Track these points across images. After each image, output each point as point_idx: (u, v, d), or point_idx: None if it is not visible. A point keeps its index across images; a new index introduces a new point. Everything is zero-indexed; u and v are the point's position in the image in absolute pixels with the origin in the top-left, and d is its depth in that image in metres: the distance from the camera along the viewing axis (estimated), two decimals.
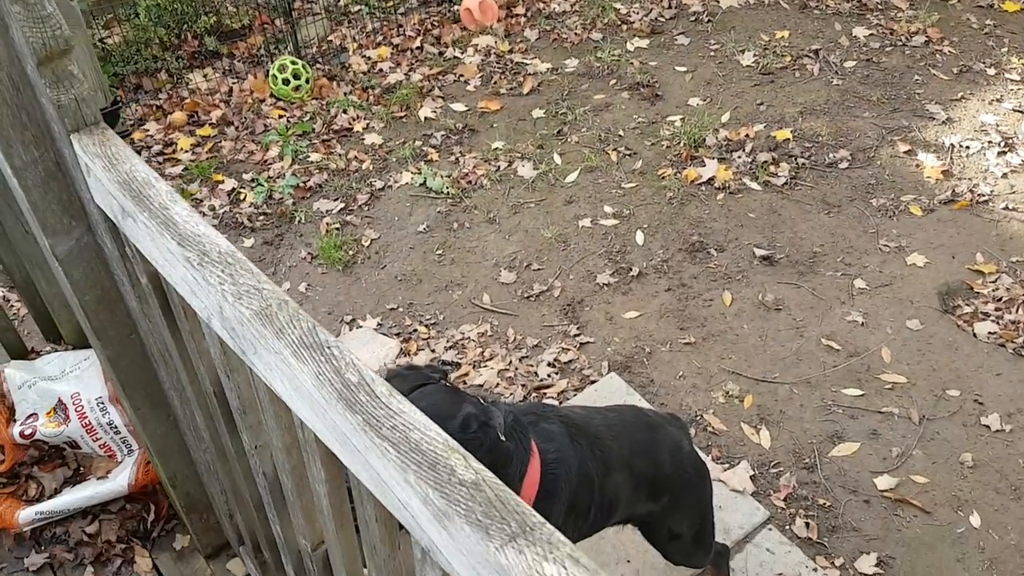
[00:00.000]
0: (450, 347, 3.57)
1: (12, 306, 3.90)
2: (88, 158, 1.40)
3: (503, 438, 1.76)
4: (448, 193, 4.34)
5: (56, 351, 2.91)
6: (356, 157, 4.65)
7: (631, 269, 3.85)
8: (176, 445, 2.18)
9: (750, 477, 2.97)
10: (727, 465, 3.02)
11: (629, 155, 4.53)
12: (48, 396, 2.67)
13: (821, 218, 4.06)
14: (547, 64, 5.27)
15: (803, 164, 4.36)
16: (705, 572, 2.62)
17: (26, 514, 2.51)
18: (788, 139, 4.50)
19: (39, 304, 2.89)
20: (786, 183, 4.25)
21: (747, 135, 4.54)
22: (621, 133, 4.68)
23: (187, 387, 1.84)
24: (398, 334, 3.64)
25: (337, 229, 4.21)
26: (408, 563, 1.10)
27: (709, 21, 5.54)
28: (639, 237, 4.02)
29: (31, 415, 2.66)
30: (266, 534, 1.99)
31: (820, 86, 4.91)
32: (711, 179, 4.29)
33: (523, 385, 3.36)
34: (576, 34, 5.52)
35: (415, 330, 3.65)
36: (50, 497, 2.58)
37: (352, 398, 0.98)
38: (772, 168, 4.33)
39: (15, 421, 2.67)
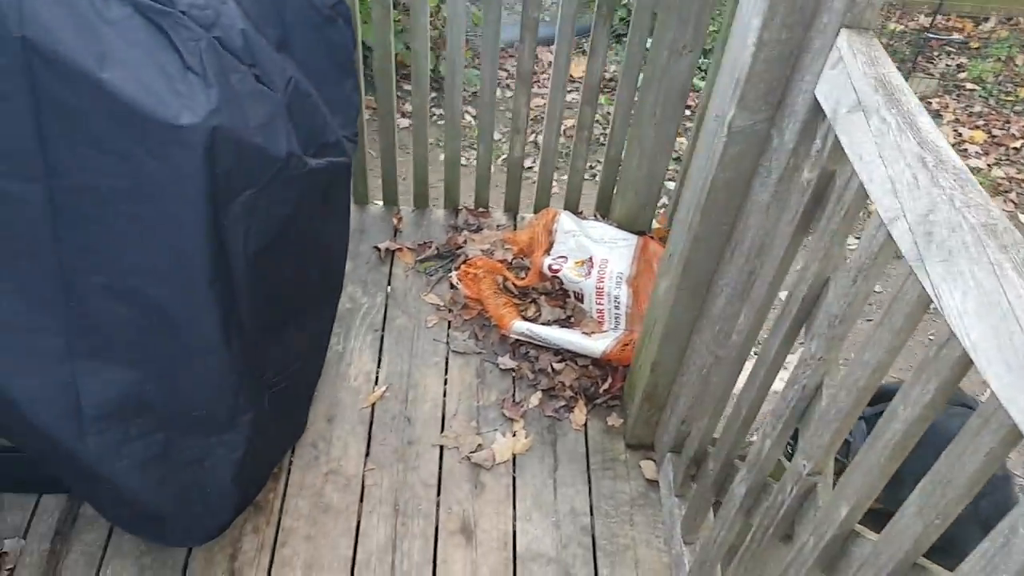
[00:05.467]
0: None
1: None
2: (851, 52, 1.54)
3: None
4: None
5: (603, 222, 3.29)
6: None
7: None
8: (683, 336, 2.35)
9: None
10: None
11: None
12: (583, 250, 3.05)
13: None
14: None
15: None
16: None
17: (519, 325, 2.90)
18: None
19: (607, 185, 3.31)
20: None
21: None
22: None
23: (747, 289, 1.99)
24: None
25: None
26: None
27: None
28: None
29: (562, 256, 3.06)
30: (730, 450, 2.09)
31: None
32: None
33: None
34: None
35: None
36: (542, 324, 2.95)
37: None
38: None
39: (548, 255, 3.09)
